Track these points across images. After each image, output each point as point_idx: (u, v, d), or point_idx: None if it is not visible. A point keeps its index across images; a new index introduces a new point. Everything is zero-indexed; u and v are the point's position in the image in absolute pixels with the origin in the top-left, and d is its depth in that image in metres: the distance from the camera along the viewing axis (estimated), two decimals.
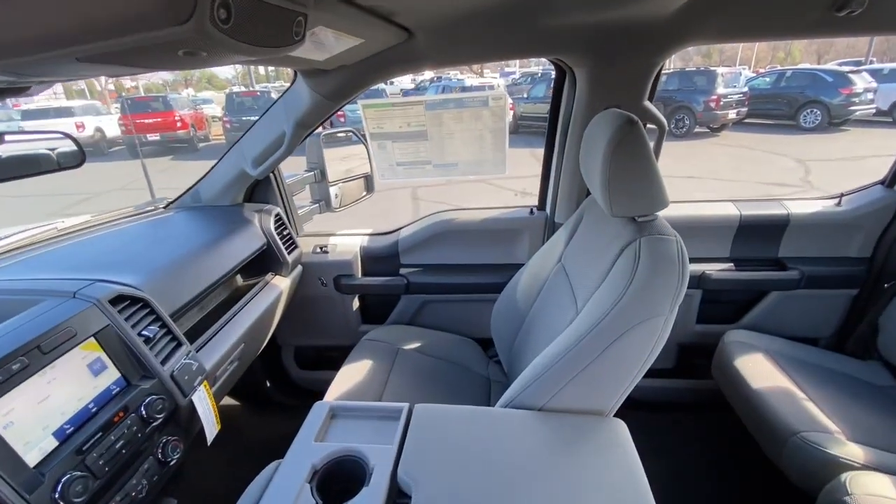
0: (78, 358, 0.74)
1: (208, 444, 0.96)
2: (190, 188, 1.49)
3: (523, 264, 1.28)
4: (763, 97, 10.09)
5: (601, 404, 0.83)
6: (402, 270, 1.58)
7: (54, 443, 0.67)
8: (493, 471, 0.72)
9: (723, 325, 1.52)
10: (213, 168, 1.46)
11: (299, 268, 1.52)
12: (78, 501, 0.65)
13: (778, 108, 9.97)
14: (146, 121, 12.45)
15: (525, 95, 10.88)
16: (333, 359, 1.64)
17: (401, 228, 1.64)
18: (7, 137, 0.89)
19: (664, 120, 1.19)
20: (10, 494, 0.59)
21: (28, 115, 12.10)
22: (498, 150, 1.35)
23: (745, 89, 9.91)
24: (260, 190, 1.51)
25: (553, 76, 1.33)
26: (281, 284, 1.39)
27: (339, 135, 1.83)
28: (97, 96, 23.76)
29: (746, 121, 10.15)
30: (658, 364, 1.44)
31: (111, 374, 0.78)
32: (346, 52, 0.98)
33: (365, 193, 1.95)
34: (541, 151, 1.43)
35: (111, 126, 12.86)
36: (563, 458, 0.74)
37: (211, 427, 0.96)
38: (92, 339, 0.77)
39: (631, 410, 0.86)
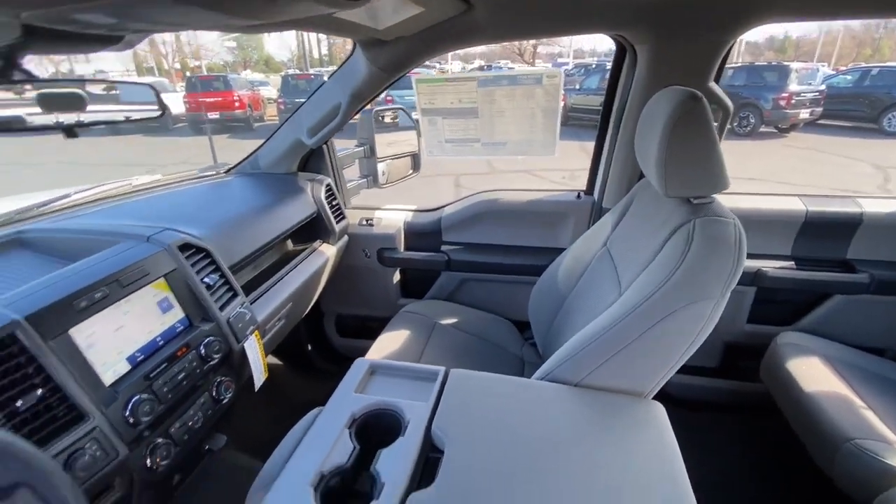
0: (149, 295, 0.81)
1: (255, 389, 1.03)
2: (249, 155, 1.57)
3: (565, 249, 1.26)
4: (842, 97, 9.29)
5: (639, 386, 0.81)
6: (444, 247, 1.60)
7: (127, 367, 0.74)
8: (524, 438, 0.73)
9: (776, 326, 1.44)
10: (270, 137, 1.53)
11: (345, 238, 1.58)
12: (145, 420, 0.72)
13: (858, 110, 9.15)
14: (207, 99, 13.11)
15: (577, 87, 10.58)
16: (372, 329, 1.70)
17: (444, 206, 1.66)
18: (92, 87, 0.92)
19: (730, 103, 1.13)
20: (89, 407, 0.66)
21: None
22: (549, 130, 1.33)
23: (822, 87, 9.15)
24: (313, 161, 1.57)
25: (608, 67, 1.30)
26: (328, 252, 1.44)
27: (387, 116, 1.87)
28: (164, 74, 25.26)
29: (820, 122, 9.39)
30: (702, 362, 1.39)
31: (177, 314, 0.85)
32: (404, 21, 0.99)
33: (411, 172, 1.99)
34: (590, 144, 1.40)
35: (176, 103, 13.62)
36: (596, 433, 0.74)
37: (259, 374, 1.03)
38: (162, 279, 0.83)
39: (670, 406, 0.83)
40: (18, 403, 0.59)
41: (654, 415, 0.79)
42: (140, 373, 0.75)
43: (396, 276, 1.68)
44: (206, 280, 0.92)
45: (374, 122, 1.57)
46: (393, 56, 1.17)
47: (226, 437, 0.97)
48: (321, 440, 0.72)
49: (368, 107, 1.77)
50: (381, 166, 1.80)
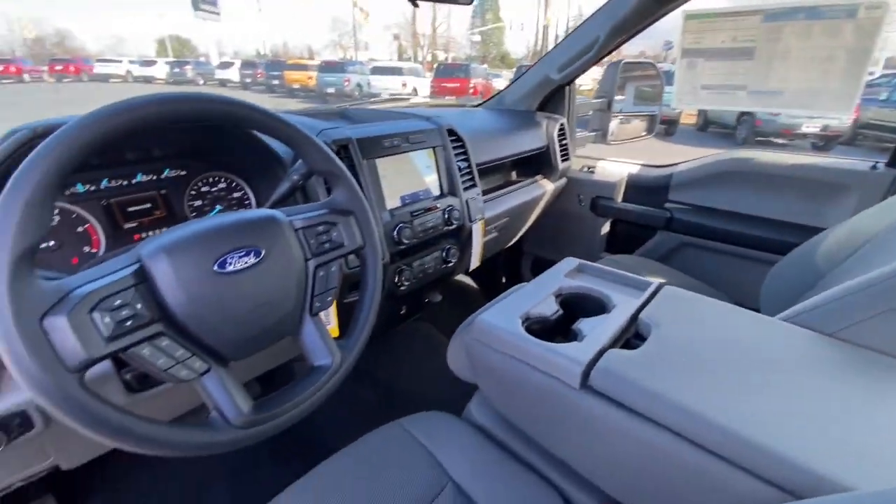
0: (422, 158, 1.02)
1: (469, 269, 1.18)
2: (495, 95, 1.75)
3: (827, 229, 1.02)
4: None
5: None
6: (668, 205, 1.49)
7: (399, 203, 0.96)
8: (746, 363, 0.62)
9: None
10: (519, 77, 1.67)
11: (564, 179, 1.62)
12: (405, 242, 0.92)
13: None
14: (448, 84, 14.88)
15: (883, 97, 8.02)
16: None
17: (679, 163, 1.54)
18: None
19: None
20: (377, 215, 0.88)
21: (375, 70, 16.13)
22: (851, 79, 1.08)
23: None
24: (552, 103, 1.65)
25: None
26: (546, 186, 1.52)
27: (638, 71, 1.81)
28: (418, 62, 29.52)
29: None
30: None
31: (434, 180, 1.05)
32: None
33: (644, 133, 1.90)
34: None
35: (423, 87, 15.89)
36: (851, 390, 0.59)
37: (476, 258, 1.18)
38: (431, 149, 1.03)
39: None
40: None
41: None
42: (407, 210, 0.95)
43: (606, 228, 1.65)
44: (458, 163, 1.09)
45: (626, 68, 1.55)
46: None
47: (441, 296, 1.15)
48: (528, 298, 0.78)
49: (617, 59, 1.75)
50: (612, 123, 1.78)
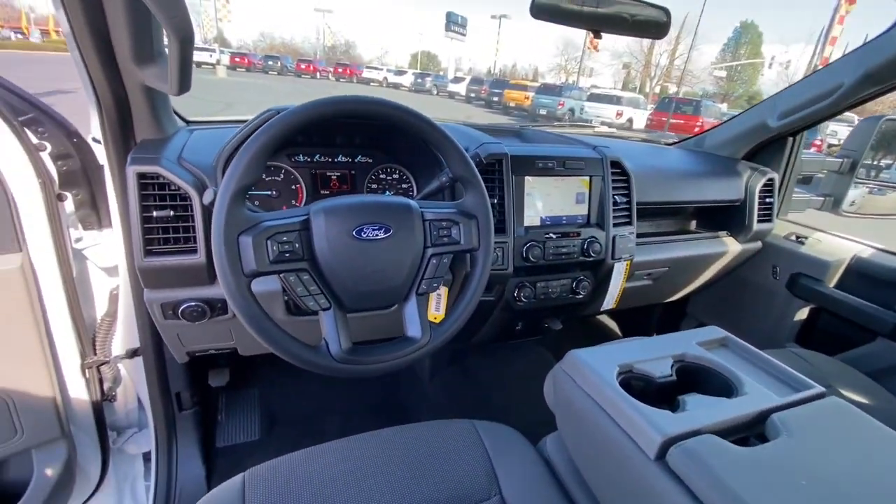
0: (575, 185, 1.02)
1: (601, 309, 1.12)
2: (697, 134, 1.58)
3: None
4: None
5: None
6: None
7: (538, 223, 0.98)
8: None
9: None
10: (729, 119, 1.48)
11: (758, 244, 1.37)
12: (531, 261, 0.94)
13: None
14: (667, 119, 13.69)
15: None
16: None
17: None
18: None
19: None
20: (510, 228, 0.92)
21: (591, 97, 15.89)
22: None
23: None
24: (766, 153, 1.41)
25: None
26: (730, 246, 1.31)
27: None
28: (643, 93, 27.84)
29: None
30: None
31: (583, 209, 1.03)
32: None
33: None
34: None
35: (640, 119, 14.96)
36: None
37: (611, 299, 1.11)
38: (587, 178, 1.02)
39: None
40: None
41: None
42: (543, 230, 0.97)
43: (802, 314, 1.33)
44: (615, 196, 1.05)
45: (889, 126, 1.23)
46: None
47: (561, 324, 1.13)
48: (641, 352, 0.71)
49: (879, 110, 1.39)
50: (854, 191, 1.42)
